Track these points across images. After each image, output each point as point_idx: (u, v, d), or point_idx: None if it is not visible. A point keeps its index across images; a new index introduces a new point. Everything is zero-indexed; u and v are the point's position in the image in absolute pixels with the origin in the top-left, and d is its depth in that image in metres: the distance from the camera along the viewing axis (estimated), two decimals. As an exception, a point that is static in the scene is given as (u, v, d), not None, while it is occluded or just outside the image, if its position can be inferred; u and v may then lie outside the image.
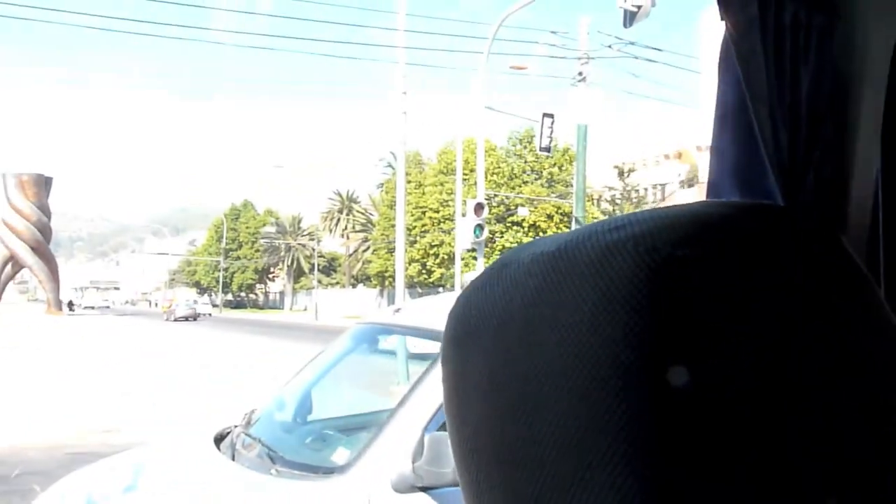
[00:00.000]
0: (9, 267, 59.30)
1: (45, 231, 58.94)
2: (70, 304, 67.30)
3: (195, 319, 51.81)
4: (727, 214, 0.29)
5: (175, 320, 50.64)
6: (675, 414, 0.25)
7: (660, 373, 0.26)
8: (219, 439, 3.35)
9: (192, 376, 15.40)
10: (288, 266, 75.22)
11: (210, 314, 65.55)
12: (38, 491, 3.95)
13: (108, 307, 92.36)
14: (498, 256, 0.34)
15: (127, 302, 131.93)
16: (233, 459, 3.04)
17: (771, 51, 0.31)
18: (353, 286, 63.69)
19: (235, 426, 3.39)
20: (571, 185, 26.86)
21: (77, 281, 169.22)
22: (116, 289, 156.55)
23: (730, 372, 0.25)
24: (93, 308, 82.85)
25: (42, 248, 58.24)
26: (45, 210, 59.47)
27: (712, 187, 0.37)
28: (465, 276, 31.56)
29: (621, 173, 41.54)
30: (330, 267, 73.82)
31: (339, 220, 69.89)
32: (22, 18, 25.53)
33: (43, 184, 60.09)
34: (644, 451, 0.26)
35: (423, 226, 41.42)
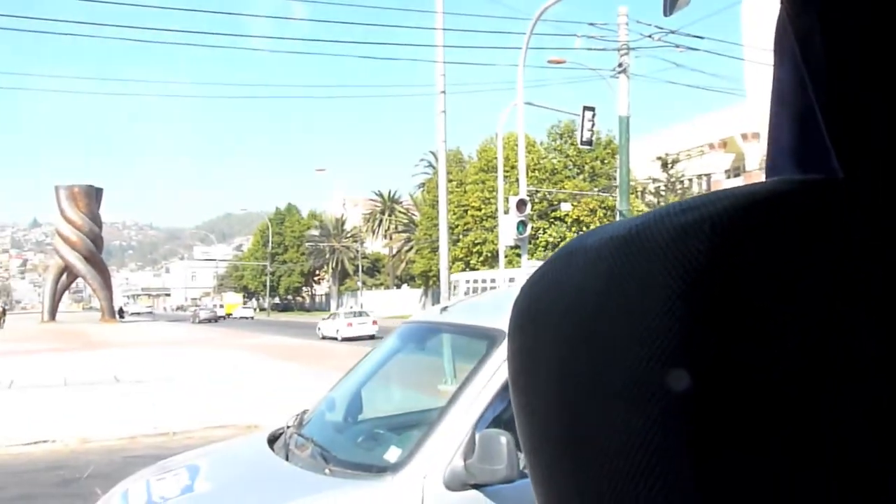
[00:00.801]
0: (64, 277, 60.99)
1: (97, 241, 60.40)
2: (120, 312, 69.43)
3: (216, 321, 60.69)
4: (785, 191, 0.28)
5: (199, 322, 59.69)
6: (739, 396, 0.25)
7: (734, 355, 0.25)
8: (272, 440, 3.40)
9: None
10: (333, 268, 75.89)
11: (252, 317, 69.54)
12: (100, 493, 4.05)
13: (150, 313, 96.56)
14: (561, 246, 0.34)
15: (178, 308, 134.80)
16: (287, 460, 3.08)
17: (829, 27, 0.31)
18: (398, 286, 64.03)
19: (288, 427, 3.44)
20: (614, 179, 26.60)
21: (129, 289, 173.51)
22: (167, 295, 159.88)
23: (778, 352, 0.25)
24: (139, 314, 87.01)
25: (95, 257, 59.69)
26: (96, 220, 60.96)
27: (771, 170, 0.37)
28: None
29: (665, 164, 40.96)
30: (374, 268, 74.30)
31: (381, 220, 70.31)
32: (68, 34, 26.21)
33: (94, 195, 61.61)
34: (713, 436, 0.25)
35: (466, 224, 41.42)
